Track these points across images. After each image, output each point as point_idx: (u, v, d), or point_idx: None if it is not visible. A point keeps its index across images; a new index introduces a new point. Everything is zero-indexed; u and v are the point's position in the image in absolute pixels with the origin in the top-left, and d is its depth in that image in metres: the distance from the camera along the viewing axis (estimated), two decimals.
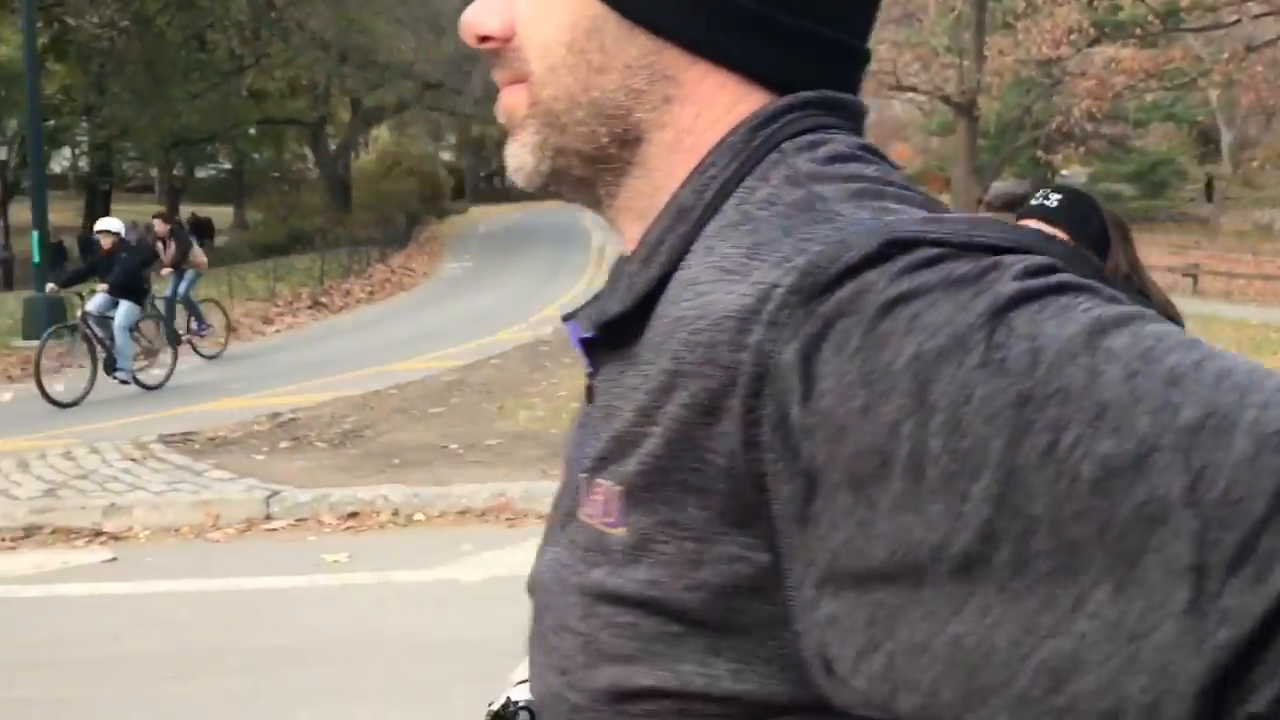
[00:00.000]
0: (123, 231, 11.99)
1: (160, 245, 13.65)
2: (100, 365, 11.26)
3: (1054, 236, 2.41)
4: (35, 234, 15.15)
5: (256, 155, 52.21)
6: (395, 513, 6.23)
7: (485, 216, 50.22)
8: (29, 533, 5.99)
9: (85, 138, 41.26)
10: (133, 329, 11.62)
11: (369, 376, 12.10)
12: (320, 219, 37.49)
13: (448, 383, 11.22)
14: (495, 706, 1.66)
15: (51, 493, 6.51)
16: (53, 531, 6.01)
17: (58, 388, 10.96)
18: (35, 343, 14.49)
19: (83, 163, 45.49)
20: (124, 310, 11.38)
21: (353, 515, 6.23)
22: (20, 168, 43.16)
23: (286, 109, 41.52)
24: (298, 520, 6.19)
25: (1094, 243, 2.48)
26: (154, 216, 14.19)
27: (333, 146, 43.96)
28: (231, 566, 5.49)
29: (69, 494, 6.49)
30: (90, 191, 45.65)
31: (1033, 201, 2.54)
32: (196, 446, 7.85)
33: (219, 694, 4.03)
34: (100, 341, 11.33)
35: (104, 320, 11.43)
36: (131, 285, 11.44)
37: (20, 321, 15.18)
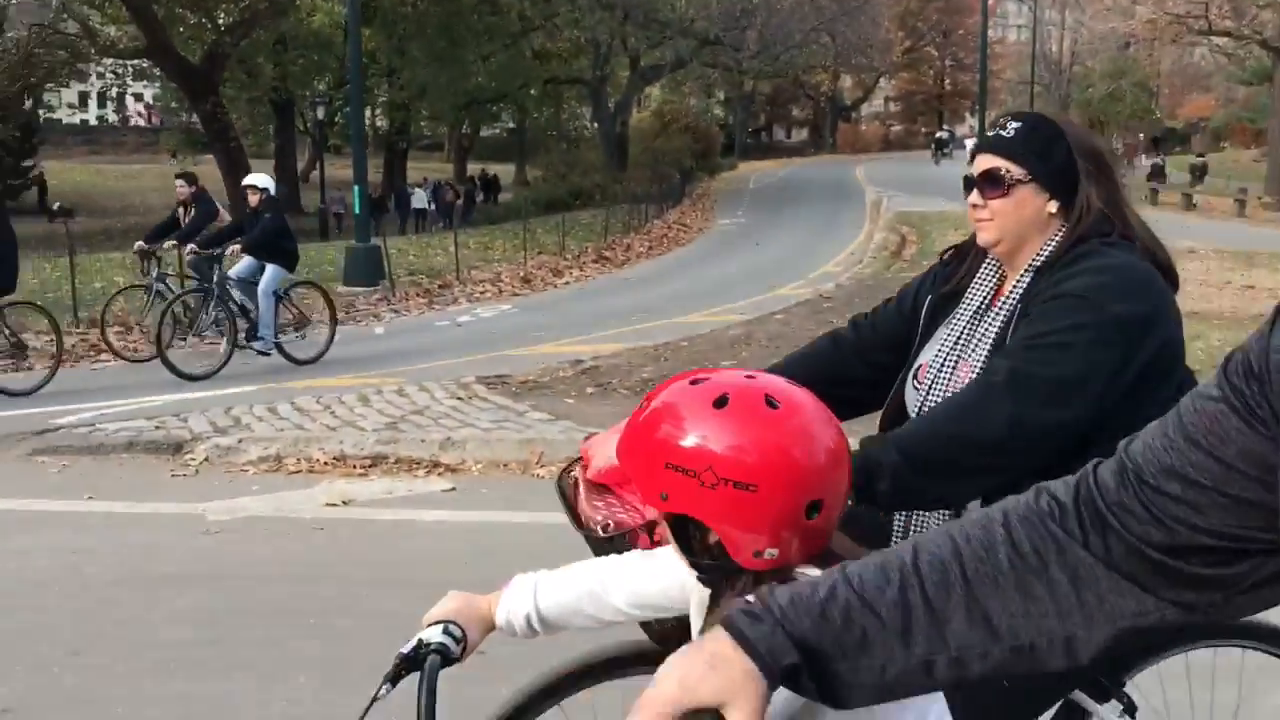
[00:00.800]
0: (271, 188, 10.73)
1: (181, 210, 11.46)
2: (229, 334, 10.25)
3: None
4: (356, 188, 16.43)
5: (537, 115, 54.29)
6: None
7: (755, 172, 50.29)
8: (375, 461, 6.60)
9: (385, 98, 43.97)
10: (280, 296, 10.63)
11: (657, 329, 12.49)
12: (598, 176, 38.61)
13: (735, 336, 11.44)
14: (406, 650, 1.62)
15: (393, 425, 7.15)
16: (396, 461, 6.59)
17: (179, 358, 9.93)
18: (358, 289, 15.83)
19: (381, 122, 48.52)
20: (269, 274, 10.43)
21: None
22: (329, 126, 46.60)
23: (570, 69, 42.82)
24: None
25: (1058, 176, 2.11)
26: (177, 177, 12.05)
27: (612, 105, 45.03)
28: (557, 503, 5.86)
29: (408, 428, 7.10)
30: (389, 149, 48.78)
31: (989, 132, 2.21)
32: (513, 389, 8.39)
33: None
34: (240, 309, 10.41)
35: (246, 286, 10.50)
36: (275, 247, 10.44)
37: (342, 269, 16.59)
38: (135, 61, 39.29)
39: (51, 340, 9.96)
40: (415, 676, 1.52)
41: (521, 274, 19.29)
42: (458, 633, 1.64)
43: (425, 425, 7.19)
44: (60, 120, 60.19)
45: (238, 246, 10.26)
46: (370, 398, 8.18)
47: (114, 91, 58.43)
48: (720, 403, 1.36)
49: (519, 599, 1.72)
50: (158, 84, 46.27)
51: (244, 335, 10.40)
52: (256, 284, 10.42)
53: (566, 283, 19.29)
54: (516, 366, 9.63)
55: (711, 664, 1.04)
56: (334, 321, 11.45)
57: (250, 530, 5.40)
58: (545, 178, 46.28)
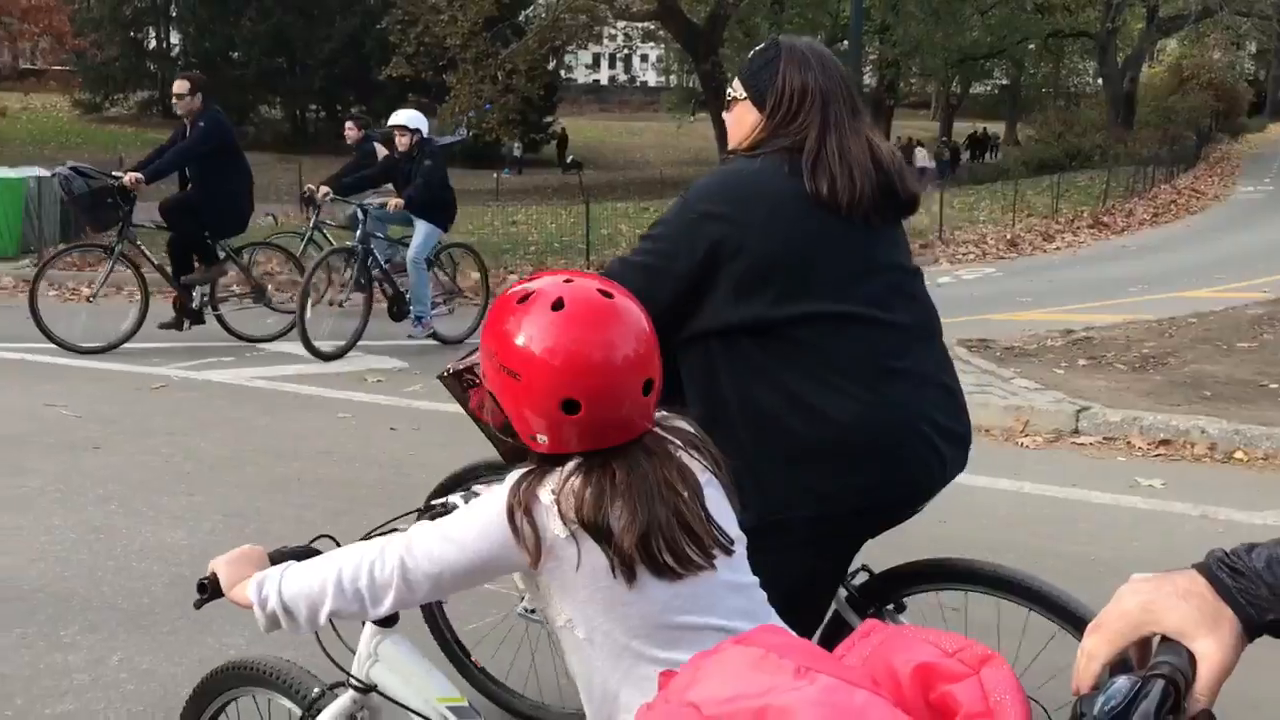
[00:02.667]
0: (424, 128, 8.95)
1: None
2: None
3: None
4: None
5: (1034, 71, 51.51)
6: (1213, 446, 5.87)
7: None
8: None
9: (874, 56, 43.78)
10: (431, 261, 8.95)
11: (1160, 301, 11.48)
12: (1099, 136, 36.05)
13: (1254, 316, 10.23)
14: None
15: None
16: None
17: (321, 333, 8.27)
18: None
19: (869, 80, 48.44)
20: (422, 234, 8.71)
21: (1164, 443, 5.99)
22: None
23: (1075, 21, 40.18)
24: (1106, 438, 6.10)
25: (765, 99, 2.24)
26: (346, 120, 11.19)
27: (1120, 60, 41.74)
28: (1042, 473, 5.58)
29: None
30: (876, 107, 48.55)
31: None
32: (997, 354, 8.08)
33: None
34: (383, 275, 8.84)
35: (393, 246, 9.17)
36: (433, 200, 8.68)
37: None
38: (644, 24, 41.95)
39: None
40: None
41: (1008, 236, 18.50)
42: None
43: None
44: (576, 80, 65.94)
45: (398, 201, 8.54)
46: None
47: (624, 53, 62.87)
48: (556, 305, 1.54)
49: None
50: (663, 45, 49.14)
51: (391, 309, 8.84)
52: (405, 244, 8.90)
53: (1057, 248, 18.26)
54: (999, 332, 9.26)
55: (1183, 596, 1.07)
56: (487, 292, 9.73)
57: None
58: (1038, 137, 43.95)
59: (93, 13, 43.83)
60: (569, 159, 46.11)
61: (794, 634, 1.44)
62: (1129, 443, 6.02)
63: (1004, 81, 57.37)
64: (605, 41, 50.22)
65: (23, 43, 28.12)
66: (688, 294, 2.15)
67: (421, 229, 8.73)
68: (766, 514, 2.08)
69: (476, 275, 10.20)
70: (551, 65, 44.23)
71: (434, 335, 8.94)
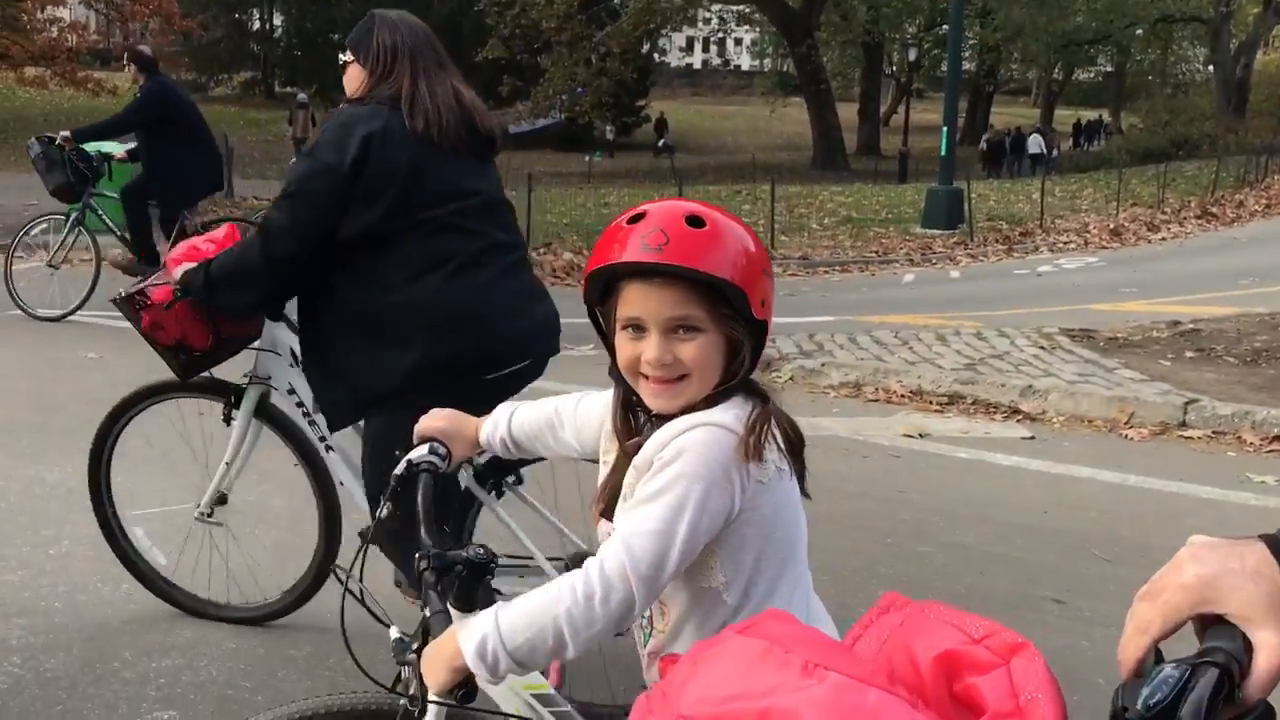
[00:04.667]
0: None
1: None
2: None
3: None
4: (944, 130, 16.22)
5: (1140, 57, 50.04)
6: None
7: None
8: (952, 400, 6.52)
9: (974, 41, 42.89)
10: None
11: (1273, 295, 11.07)
12: (1209, 124, 34.90)
13: None
14: (399, 470, 1.79)
15: (971, 367, 7.02)
16: (973, 402, 6.46)
17: None
18: (936, 232, 15.70)
19: (968, 65, 47.45)
20: None
21: (1277, 438, 5.78)
22: (915, 69, 46.40)
23: (1187, 5, 38.90)
24: (1215, 432, 5.91)
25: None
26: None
27: (1233, 46, 40.31)
28: (1147, 466, 5.43)
29: (987, 371, 6.93)
30: (975, 93, 47.63)
31: None
32: (1100, 344, 7.88)
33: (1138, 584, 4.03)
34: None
35: None
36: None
37: (921, 211, 16.54)
38: (739, 7, 41.69)
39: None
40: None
41: (1111, 226, 18.00)
42: (443, 450, 1.84)
43: (1005, 370, 6.98)
44: (669, 64, 65.76)
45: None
46: (948, 338, 8.09)
47: (718, 36, 62.55)
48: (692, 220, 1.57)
49: (496, 422, 1.93)
50: (758, 29, 48.77)
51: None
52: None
53: (1162, 238, 17.72)
54: (1101, 321, 9.02)
55: (1252, 577, 0.97)
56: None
57: (829, 448, 5.58)
58: (1144, 125, 42.69)
59: None
60: (661, 143, 46.05)
61: (801, 622, 1.31)
62: (1239, 438, 5.82)
63: (1108, 68, 55.86)
64: (700, 25, 50.02)
65: (133, 24, 28.90)
66: (330, 222, 2.62)
67: None
68: (376, 387, 2.64)
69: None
70: (645, 49, 44.23)
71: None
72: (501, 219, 2.79)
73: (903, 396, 6.56)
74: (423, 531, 1.61)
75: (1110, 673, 1.38)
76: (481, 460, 2.48)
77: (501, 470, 2.58)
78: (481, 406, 2.03)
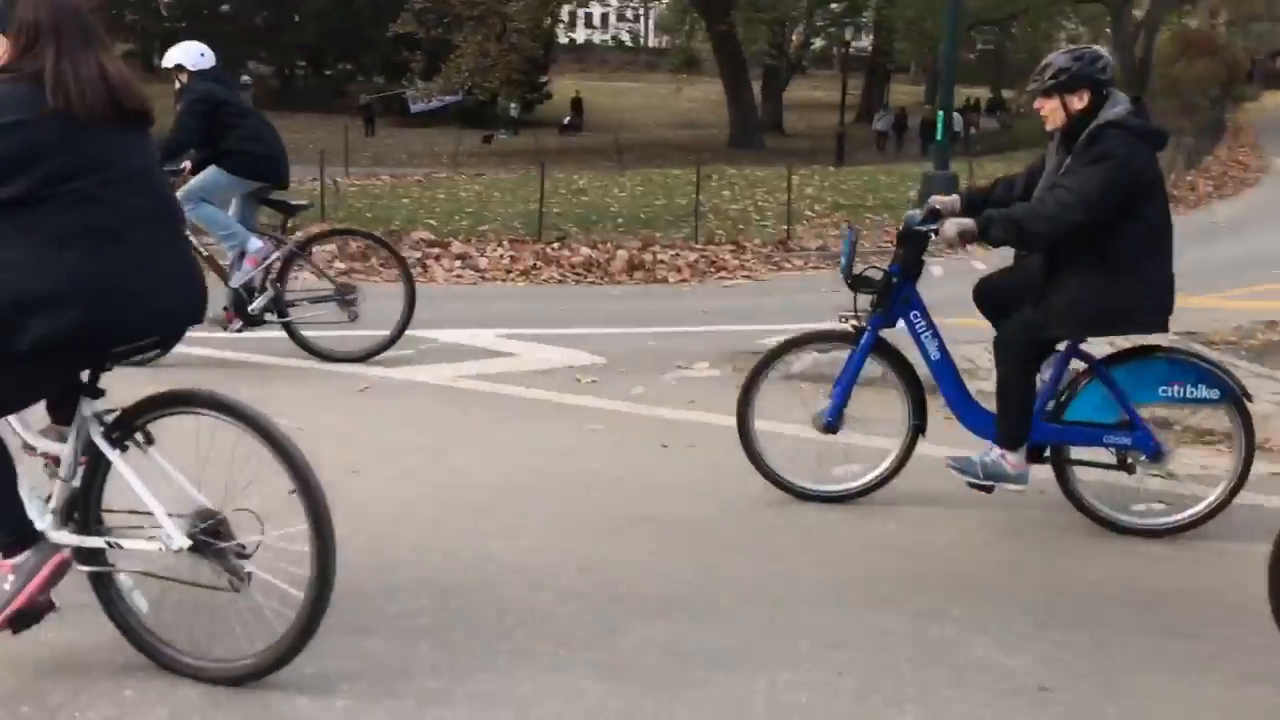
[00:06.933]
0: (194, 63, 6.77)
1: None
2: None
3: None
4: (940, 114, 15.76)
5: (1018, 36, 50.90)
6: None
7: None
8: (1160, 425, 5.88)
9: (870, 20, 42.94)
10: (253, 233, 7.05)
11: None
12: None
13: None
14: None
15: None
16: (1183, 430, 5.85)
17: None
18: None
19: (865, 43, 47.65)
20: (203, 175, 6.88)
21: None
22: (806, 46, 46.20)
23: None
24: None
25: None
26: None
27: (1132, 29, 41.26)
28: None
29: None
30: (871, 72, 47.86)
31: None
32: (1220, 348, 7.42)
33: None
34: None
35: None
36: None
37: (910, 198, 16.08)
38: None
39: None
40: None
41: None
42: None
43: None
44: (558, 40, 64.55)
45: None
46: None
47: (629, 12, 61.59)
48: None
49: None
50: (661, 3, 48.03)
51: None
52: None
53: None
54: (1189, 323, 8.57)
55: None
56: (409, 284, 7.13)
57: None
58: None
59: None
60: (566, 121, 45.03)
61: None
62: None
63: (986, 47, 56.70)
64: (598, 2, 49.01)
65: None
66: None
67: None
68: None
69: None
70: (547, 23, 43.04)
71: (314, 351, 6.80)
72: (148, 183, 2.85)
73: None
74: None
75: None
76: (110, 417, 2.88)
77: (129, 428, 2.88)
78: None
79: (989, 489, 4.39)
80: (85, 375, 2.88)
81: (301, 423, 5.38)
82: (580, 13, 64.20)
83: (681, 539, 4.16)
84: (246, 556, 2.81)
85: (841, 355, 4.56)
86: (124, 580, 2.95)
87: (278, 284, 6.75)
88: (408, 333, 7.01)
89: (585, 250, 11.26)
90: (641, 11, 57.72)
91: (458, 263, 10.98)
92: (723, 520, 4.38)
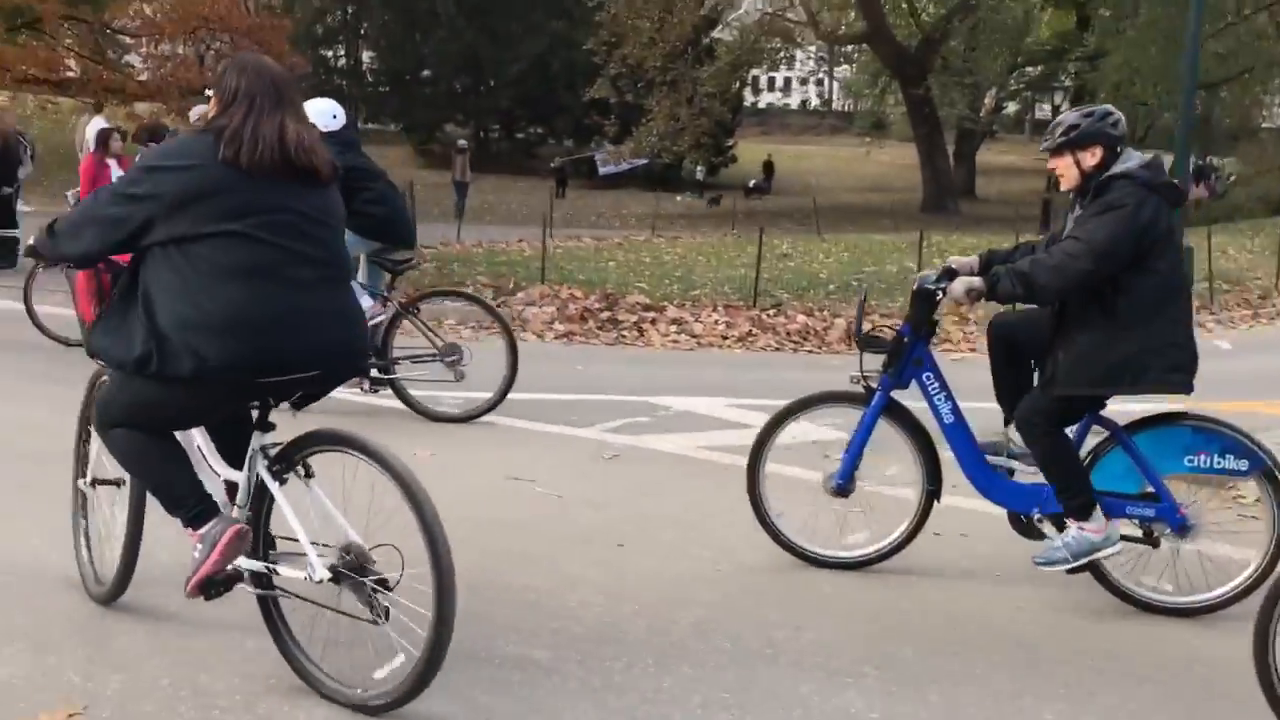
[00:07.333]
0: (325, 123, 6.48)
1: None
2: None
3: None
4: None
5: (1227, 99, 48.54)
6: None
7: None
8: None
9: (1071, 82, 41.45)
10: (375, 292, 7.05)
11: None
12: None
13: None
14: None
15: None
16: None
17: None
18: None
19: (1064, 105, 46.17)
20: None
21: None
22: (998, 111, 44.88)
23: None
24: None
25: None
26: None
27: None
28: None
29: None
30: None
31: None
32: None
33: None
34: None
35: None
36: None
37: None
38: (848, 47, 40.75)
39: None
40: None
41: None
42: None
43: None
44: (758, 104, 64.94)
45: None
46: None
47: (815, 77, 61.81)
48: None
49: None
50: (851, 68, 47.83)
51: None
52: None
53: None
54: None
55: None
56: (511, 342, 6.92)
57: None
58: (1255, 170, 41.18)
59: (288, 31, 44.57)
60: (751, 184, 45.14)
61: None
62: None
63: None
64: (795, 65, 49.18)
65: None
66: (143, 221, 2.99)
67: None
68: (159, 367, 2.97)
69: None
70: (736, 87, 43.36)
71: (419, 410, 6.66)
72: (318, 235, 3.08)
73: None
74: None
75: None
76: (275, 451, 3.09)
77: (290, 460, 3.07)
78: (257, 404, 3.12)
79: (1085, 567, 4.15)
80: (255, 412, 3.11)
81: (560, 490, 5.34)
82: (764, 77, 64.69)
83: (957, 623, 3.84)
84: (389, 589, 2.91)
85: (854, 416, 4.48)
86: (286, 604, 3.13)
87: (384, 342, 6.66)
88: (642, 398, 6.89)
89: (801, 318, 11.02)
90: (829, 75, 57.68)
91: (673, 327, 10.90)
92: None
